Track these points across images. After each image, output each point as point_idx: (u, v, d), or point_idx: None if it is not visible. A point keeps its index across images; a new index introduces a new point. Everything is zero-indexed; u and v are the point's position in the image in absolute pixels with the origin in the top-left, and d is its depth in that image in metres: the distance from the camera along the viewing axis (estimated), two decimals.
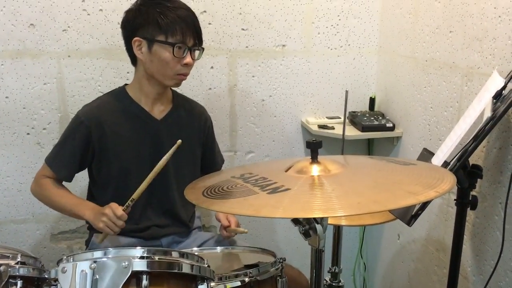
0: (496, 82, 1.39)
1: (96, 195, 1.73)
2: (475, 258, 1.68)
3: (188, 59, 1.59)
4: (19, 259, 1.18)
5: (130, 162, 1.67)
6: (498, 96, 1.33)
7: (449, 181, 1.01)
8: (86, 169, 1.73)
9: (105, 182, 1.69)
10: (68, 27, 1.99)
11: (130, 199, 1.51)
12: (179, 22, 1.56)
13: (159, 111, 1.72)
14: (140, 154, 1.68)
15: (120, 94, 1.71)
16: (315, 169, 1.11)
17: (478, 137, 1.27)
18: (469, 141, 1.30)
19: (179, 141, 1.48)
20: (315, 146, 1.12)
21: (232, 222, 1.76)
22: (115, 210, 1.50)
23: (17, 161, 2.06)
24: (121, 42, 1.68)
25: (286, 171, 1.15)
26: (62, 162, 1.67)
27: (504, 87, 1.34)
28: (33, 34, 1.96)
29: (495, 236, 1.58)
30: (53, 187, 1.67)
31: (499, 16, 1.51)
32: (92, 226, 1.73)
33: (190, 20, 1.59)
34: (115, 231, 1.52)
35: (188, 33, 1.58)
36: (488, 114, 1.28)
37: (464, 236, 1.49)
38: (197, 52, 1.64)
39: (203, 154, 1.85)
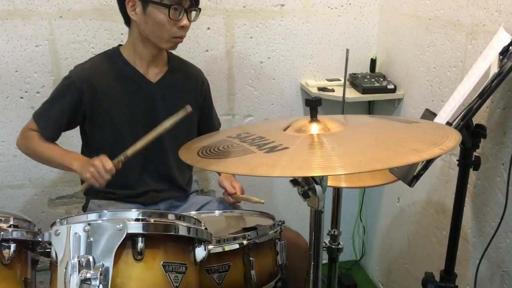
0: (502, 39, 1.34)
1: (90, 157, 1.69)
2: (476, 220, 1.66)
3: (184, 22, 1.54)
4: (11, 222, 1.16)
5: (123, 126, 1.63)
6: (505, 52, 1.28)
7: (453, 138, 0.97)
8: (80, 132, 1.69)
9: (99, 146, 1.65)
10: None
11: (123, 155, 1.46)
12: None
13: (154, 74, 1.67)
14: (133, 118, 1.64)
15: (113, 55, 1.65)
16: (314, 128, 1.08)
17: (484, 94, 1.23)
18: (474, 99, 1.26)
19: (188, 106, 1.44)
20: (314, 103, 1.08)
21: (238, 188, 1.74)
22: (105, 162, 1.45)
23: (11, 126, 2.03)
24: (114, 2, 1.61)
25: (285, 130, 1.11)
26: (49, 120, 1.62)
27: (511, 43, 1.29)
28: None
29: (496, 197, 1.55)
30: (39, 139, 1.63)
31: None
32: (89, 191, 1.71)
33: None
34: (101, 183, 1.46)
35: None
36: (494, 70, 1.24)
37: (465, 198, 1.47)
38: (193, 13, 1.58)
39: (200, 118, 1.81)
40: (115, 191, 1.69)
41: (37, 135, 1.63)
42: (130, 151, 1.46)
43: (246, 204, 1.79)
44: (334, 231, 1.72)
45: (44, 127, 1.62)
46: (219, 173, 1.83)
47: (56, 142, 1.66)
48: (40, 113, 1.64)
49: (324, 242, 1.71)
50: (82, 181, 1.61)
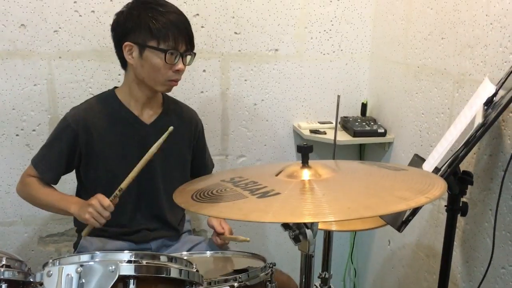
0: (487, 89, 1.39)
1: (85, 198, 1.70)
2: (465, 265, 1.68)
3: (180, 66, 1.58)
4: (4, 262, 1.16)
5: (117, 166, 1.65)
6: (489, 102, 1.33)
7: (440, 187, 1.00)
8: (75, 172, 1.71)
9: (93, 186, 1.66)
10: (60, 28, 1.97)
11: (118, 189, 1.47)
12: (171, 27, 1.54)
13: (148, 116, 1.70)
14: (127, 159, 1.65)
15: (109, 98, 1.69)
16: (305, 174, 1.11)
17: (469, 144, 1.27)
18: (460, 147, 1.30)
19: (171, 127, 1.46)
20: (306, 150, 1.12)
21: (226, 229, 1.74)
22: (102, 200, 1.46)
23: (5, 163, 2.04)
24: (112, 44, 1.66)
25: (277, 175, 1.14)
26: (48, 165, 1.64)
27: (495, 94, 1.34)
28: (24, 34, 1.94)
29: (485, 242, 1.58)
30: (38, 185, 1.65)
31: (491, 24, 1.52)
32: (80, 229, 1.71)
33: (182, 25, 1.57)
34: (101, 223, 1.47)
35: (180, 38, 1.56)
36: (479, 120, 1.28)
37: (454, 243, 1.49)
38: (188, 57, 1.62)
39: (193, 158, 1.83)
40: (108, 228, 1.68)
41: (36, 181, 1.65)
42: (124, 184, 1.48)
43: (238, 245, 1.79)
44: (325, 274, 1.72)
45: (43, 171, 1.64)
46: None
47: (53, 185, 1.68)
48: (38, 158, 1.66)
49: (315, 285, 1.71)
50: (77, 222, 1.61)
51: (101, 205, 1.46)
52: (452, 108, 1.72)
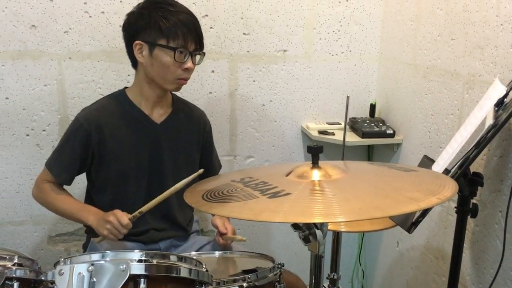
0: (497, 90, 1.38)
1: (95, 198, 1.71)
2: (475, 267, 1.67)
3: (189, 64, 1.59)
4: (15, 261, 1.17)
5: (128, 166, 1.66)
6: (500, 103, 1.33)
7: (450, 188, 1.00)
8: (85, 172, 1.72)
9: (104, 185, 1.68)
10: (70, 29, 1.99)
11: (138, 211, 1.50)
12: (180, 26, 1.55)
13: (158, 115, 1.71)
14: (138, 158, 1.67)
15: (119, 97, 1.70)
16: (315, 174, 1.11)
17: (480, 145, 1.26)
18: (470, 149, 1.30)
19: (201, 170, 1.50)
20: (316, 150, 1.12)
21: (229, 230, 1.75)
22: (120, 218, 1.49)
23: (16, 163, 2.05)
24: (122, 45, 1.67)
25: (287, 175, 1.14)
26: (62, 166, 1.66)
27: (506, 95, 1.34)
28: (35, 35, 1.96)
29: (494, 244, 1.57)
30: (54, 192, 1.66)
31: (501, 24, 1.51)
32: (90, 229, 1.73)
33: (192, 25, 1.58)
34: (119, 238, 1.51)
35: (190, 37, 1.57)
36: (490, 121, 1.28)
37: (464, 245, 1.48)
38: (198, 57, 1.63)
39: (201, 158, 1.84)
40: None
41: (52, 187, 1.67)
42: (145, 208, 1.51)
43: (246, 246, 1.79)
44: (334, 275, 1.72)
45: (58, 173, 1.65)
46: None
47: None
48: (52, 161, 1.68)
49: (324, 286, 1.71)
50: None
51: (119, 223, 1.48)
52: (462, 109, 1.71)
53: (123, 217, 1.49)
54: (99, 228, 1.53)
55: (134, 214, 1.50)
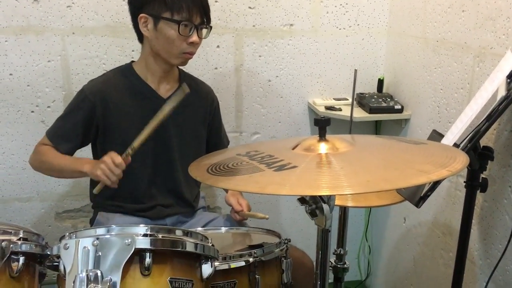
0: (510, 62, 1.35)
1: None
2: (483, 242, 1.65)
3: (194, 38, 1.56)
4: (21, 235, 1.17)
5: (133, 139, 1.64)
6: None
7: (461, 161, 0.98)
8: (91, 148, 1.71)
9: None
10: (73, 3, 1.96)
11: (130, 147, 1.47)
12: None
13: (165, 90, 1.69)
14: None
15: (126, 71, 1.68)
16: (322, 147, 1.09)
17: (491, 117, 1.24)
18: (481, 121, 1.27)
19: (186, 86, 1.46)
20: (323, 123, 1.10)
21: (244, 205, 1.74)
22: (114, 157, 1.46)
23: (21, 139, 2.05)
24: (126, 19, 1.65)
25: (293, 149, 1.12)
26: (62, 136, 1.64)
27: None
28: (37, 10, 1.93)
29: (503, 220, 1.55)
30: (51, 152, 1.63)
31: None
32: (96, 204, 1.73)
33: None
34: (113, 180, 1.46)
35: (195, 10, 1.54)
36: (502, 93, 1.25)
37: (472, 220, 1.46)
38: (204, 31, 1.60)
39: (209, 135, 1.82)
40: (123, 204, 1.70)
41: (49, 148, 1.65)
42: (136, 142, 1.47)
43: (252, 221, 1.79)
44: (340, 250, 1.71)
45: (58, 142, 1.64)
46: (226, 190, 1.84)
47: None
48: (53, 130, 1.66)
49: (330, 261, 1.71)
50: (93, 197, 1.61)
51: (112, 161, 1.45)
52: (472, 83, 1.68)
53: (117, 156, 1.46)
54: (92, 171, 1.50)
55: (126, 152, 1.47)
